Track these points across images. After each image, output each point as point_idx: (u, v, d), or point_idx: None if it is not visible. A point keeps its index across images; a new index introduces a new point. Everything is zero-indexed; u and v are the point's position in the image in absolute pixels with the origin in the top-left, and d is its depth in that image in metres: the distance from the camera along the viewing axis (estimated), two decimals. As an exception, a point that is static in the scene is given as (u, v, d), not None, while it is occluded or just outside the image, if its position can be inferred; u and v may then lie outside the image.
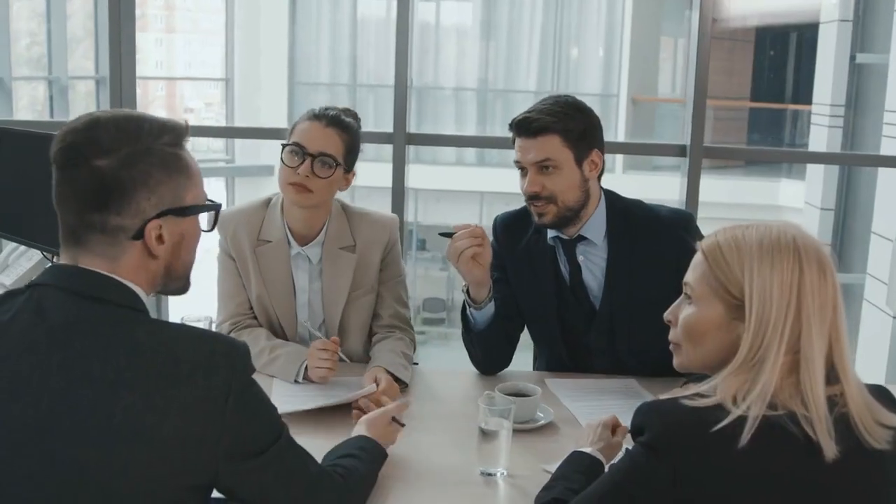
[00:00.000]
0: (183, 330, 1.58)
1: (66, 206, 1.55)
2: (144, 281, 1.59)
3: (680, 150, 4.13)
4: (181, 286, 1.70)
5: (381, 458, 2.00)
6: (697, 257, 1.70)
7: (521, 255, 2.81)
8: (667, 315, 1.79)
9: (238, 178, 14.24)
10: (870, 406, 1.59)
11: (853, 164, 9.99)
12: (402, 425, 2.17)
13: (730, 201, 11.89)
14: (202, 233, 1.70)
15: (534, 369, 2.99)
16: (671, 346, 1.78)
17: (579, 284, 2.75)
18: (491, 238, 2.87)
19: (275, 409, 1.64)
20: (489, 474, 2.07)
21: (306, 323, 2.78)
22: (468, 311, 2.70)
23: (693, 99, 4.04)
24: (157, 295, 1.73)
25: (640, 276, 2.67)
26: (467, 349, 2.79)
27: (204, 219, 1.69)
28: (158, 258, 1.59)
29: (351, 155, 2.74)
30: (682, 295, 1.74)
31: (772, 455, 1.52)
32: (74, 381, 1.46)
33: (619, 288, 2.71)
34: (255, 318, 2.84)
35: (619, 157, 13.21)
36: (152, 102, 16.62)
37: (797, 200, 11.56)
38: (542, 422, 2.37)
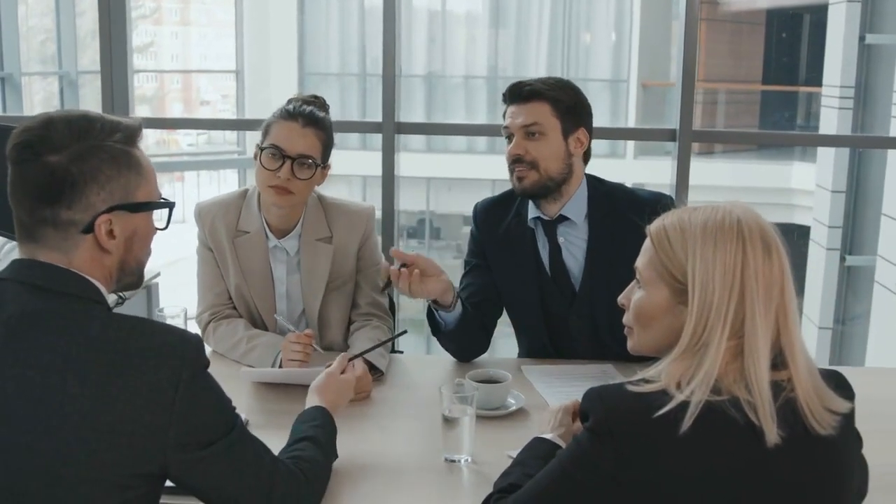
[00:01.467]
0: (137, 322, 1.60)
1: (20, 202, 1.59)
2: (100, 276, 1.63)
3: (671, 135, 4.11)
4: (134, 281, 1.73)
5: (334, 432, 2.01)
6: (646, 241, 1.70)
7: (501, 239, 2.81)
8: (620, 299, 1.79)
9: (250, 170, 14.27)
10: (819, 391, 1.57)
11: (855, 146, 9.94)
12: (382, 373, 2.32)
13: (741, 185, 11.85)
14: (157, 231, 1.73)
15: (518, 356, 2.99)
16: (625, 330, 1.79)
17: (560, 266, 2.75)
18: (472, 225, 2.89)
19: (228, 400, 1.66)
20: (452, 461, 2.08)
21: (279, 317, 2.79)
22: (437, 315, 2.68)
23: (681, 82, 4.02)
24: (116, 292, 1.76)
25: (620, 257, 2.63)
26: (441, 344, 2.79)
27: (160, 217, 1.73)
28: (111, 253, 1.62)
29: (327, 151, 2.75)
30: (634, 279, 1.74)
31: (713, 440, 1.51)
32: (27, 370, 1.50)
33: (599, 269, 2.71)
34: (235, 308, 2.86)
35: (631, 144, 13.17)
36: (167, 95, 16.70)
37: (809, 183, 11.50)
38: (513, 408, 2.37)
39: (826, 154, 10.72)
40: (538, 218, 2.76)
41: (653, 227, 1.69)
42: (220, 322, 2.81)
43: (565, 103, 2.67)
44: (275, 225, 2.81)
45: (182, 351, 1.56)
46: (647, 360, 2.48)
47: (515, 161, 2.68)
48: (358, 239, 2.86)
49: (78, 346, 1.51)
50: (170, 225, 1.75)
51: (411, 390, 2.58)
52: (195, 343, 1.60)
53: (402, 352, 3.14)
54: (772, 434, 1.50)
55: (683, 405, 1.51)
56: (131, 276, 1.71)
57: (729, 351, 1.55)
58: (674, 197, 3.73)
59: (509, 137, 2.71)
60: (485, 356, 2.82)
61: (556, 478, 1.63)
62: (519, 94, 2.68)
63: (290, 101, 2.77)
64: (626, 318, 1.77)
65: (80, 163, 1.56)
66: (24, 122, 1.59)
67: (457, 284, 2.77)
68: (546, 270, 2.77)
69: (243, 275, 2.81)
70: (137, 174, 1.63)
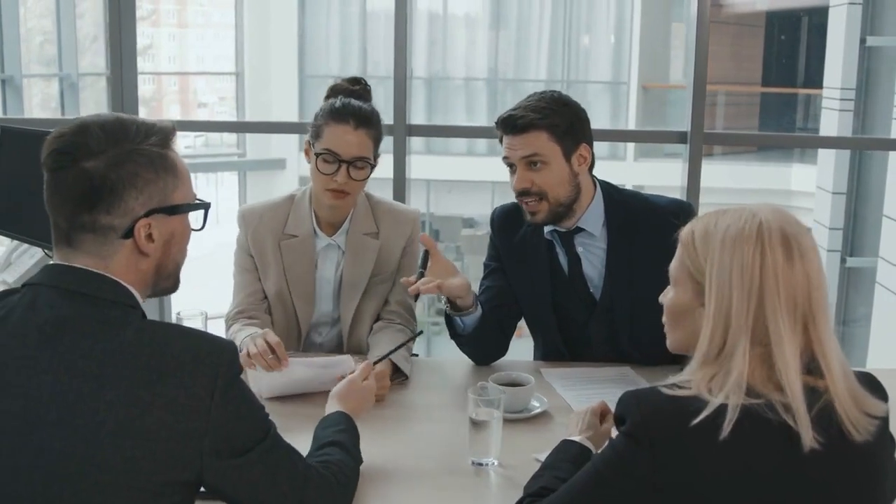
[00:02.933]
0: (171, 329, 1.61)
1: (58, 209, 1.59)
2: (136, 280, 1.63)
3: (681, 137, 4.12)
4: (171, 285, 1.73)
5: (358, 436, 2.01)
6: (679, 244, 1.72)
7: (517, 247, 2.81)
8: (660, 298, 1.80)
9: (250, 172, 14.28)
10: (855, 396, 1.57)
11: (856, 148, 9.95)
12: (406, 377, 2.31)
13: (742, 187, 11.87)
14: (193, 231, 1.74)
15: (534, 359, 2.99)
16: (664, 329, 1.79)
17: (578, 275, 2.75)
18: (490, 230, 2.89)
19: (262, 407, 1.66)
20: (480, 464, 2.08)
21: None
22: (456, 319, 2.68)
23: (693, 85, 4.03)
24: (153, 296, 1.76)
25: (640, 266, 2.66)
26: (459, 348, 2.78)
27: (195, 218, 1.73)
28: (149, 256, 1.63)
29: (378, 146, 2.75)
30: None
31: (751, 444, 1.51)
32: (61, 375, 1.50)
33: (619, 278, 2.71)
34: (265, 310, 2.85)
35: (631, 146, 13.18)
36: (164, 97, 16.69)
37: (809, 185, 11.51)
38: (537, 411, 2.37)
39: (827, 156, 10.74)
40: (554, 230, 2.75)
41: (683, 231, 1.70)
42: (242, 321, 2.79)
43: (562, 126, 2.60)
44: (327, 220, 2.82)
45: (217, 359, 1.56)
46: (666, 362, 2.49)
47: (523, 193, 2.64)
48: (404, 239, 2.87)
49: (112, 352, 1.51)
50: (206, 225, 1.75)
51: (433, 393, 2.58)
52: (230, 350, 1.60)
53: (416, 354, 3.14)
54: (808, 438, 1.49)
55: (721, 409, 1.50)
56: (168, 280, 1.71)
57: (756, 357, 1.55)
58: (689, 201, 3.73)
59: (511, 167, 2.66)
60: (500, 359, 2.82)
61: (592, 482, 1.63)
62: (513, 126, 2.61)
63: (335, 92, 2.75)
64: (663, 318, 1.78)
65: (117, 168, 1.56)
66: (58, 129, 1.59)
67: (476, 287, 2.77)
68: (565, 277, 2.76)
69: (286, 278, 2.80)
70: (174, 176, 1.64)
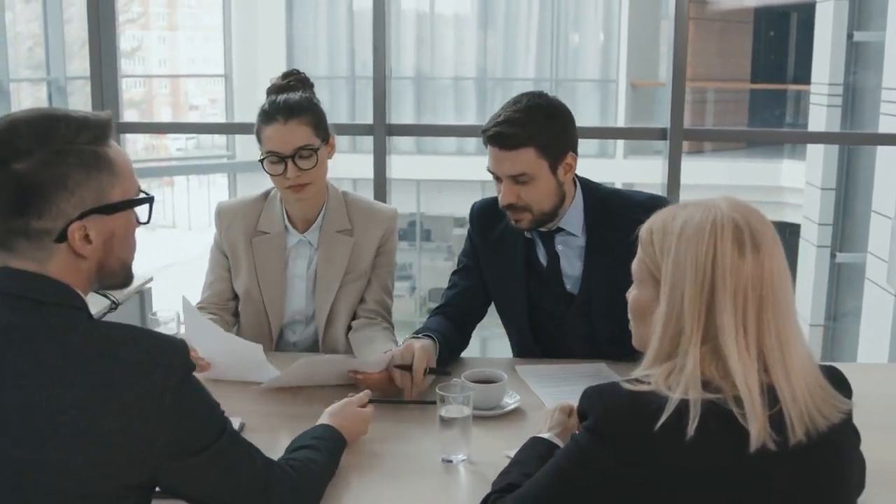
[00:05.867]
0: (119, 330, 1.56)
1: None
2: (77, 281, 1.58)
3: (661, 134, 4.12)
4: (120, 281, 1.68)
5: (340, 446, 2.01)
6: (639, 242, 1.71)
7: (495, 242, 2.81)
8: (626, 295, 1.80)
9: (240, 174, 14.26)
10: (814, 392, 1.55)
11: (844, 143, 9.96)
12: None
13: (732, 183, 11.87)
14: (139, 224, 1.67)
15: (512, 356, 2.99)
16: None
17: (556, 272, 2.75)
18: (469, 224, 2.90)
19: (216, 405, 1.63)
20: (450, 461, 2.08)
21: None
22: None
23: (672, 82, 4.03)
24: (101, 293, 1.73)
25: (618, 262, 2.65)
26: None
27: (142, 211, 1.67)
28: (88, 258, 1.57)
29: (321, 127, 2.75)
30: None
31: (712, 438, 1.49)
32: (8, 383, 1.47)
33: (597, 274, 2.71)
34: (231, 311, 2.87)
35: (620, 143, 13.17)
36: (155, 99, 16.68)
37: (799, 181, 11.53)
38: (510, 408, 2.38)
39: (815, 151, 10.76)
40: (535, 230, 2.75)
41: (643, 228, 1.70)
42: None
43: (548, 141, 2.58)
44: (299, 217, 2.84)
45: (168, 358, 1.53)
46: (641, 358, 2.48)
47: (508, 208, 2.63)
48: (378, 237, 2.87)
49: (61, 358, 1.48)
50: (151, 217, 1.68)
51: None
52: (181, 348, 1.56)
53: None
54: (761, 436, 1.48)
55: (682, 405, 1.49)
56: (115, 277, 1.65)
57: (709, 353, 1.54)
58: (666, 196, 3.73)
59: (496, 178, 2.65)
60: (478, 356, 2.83)
61: (555, 477, 1.63)
62: (501, 144, 2.57)
63: (267, 93, 2.77)
64: (629, 314, 1.78)
65: (46, 170, 1.49)
66: None
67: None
68: (542, 272, 2.77)
69: (257, 276, 2.81)
70: (110, 174, 1.56)
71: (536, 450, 1.92)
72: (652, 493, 1.52)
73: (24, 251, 1.53)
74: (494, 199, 2.81)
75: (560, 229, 2.73)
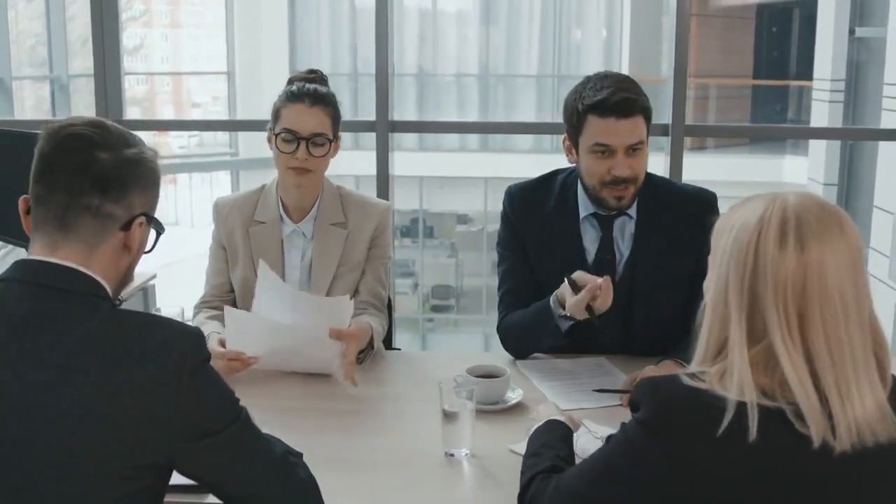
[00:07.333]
0: (138, 317, 1.63)
1: (61, 187, 1.60)
2: (113, 274, 1.66)
3: (663, 130, 4.13)
4: (120, 292, 1.76)
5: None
6: None
7: (542, 225, 2.75)
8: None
9: (243, 171, 14.28)
10: (869, 411, 1.44)
11: (846, 138, 9.97)
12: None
13: (735, 179, 11.87)
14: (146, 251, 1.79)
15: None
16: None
17: (611, 255, 2.71)
18: (505, 210, 2.83)
19: (231, 392, 1.67)
20: (452, 455, 2.09)
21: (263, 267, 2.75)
22: (560, 323, 2.60)
23: (674, 77, 4.04)
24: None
25: (663, 250, 2.66)
26: (516, 338, 2.77)
27: (150, 239, 1.78)
28: (130, 254, 1.68)
29: (336, 124, 2.81)
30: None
31: (765, 443, 1.42)
32: (28, 367, 1.51)
33: (642, 259, 2.68)
34: (231, 302, 2.87)
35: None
36: (158, 97, 16.69)
37: (801, 177, 11.53)
38: (512, 402, 2.38)
39: (817, 147, 10.76)
40: (595, 213, 2.71)
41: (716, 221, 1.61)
42: (206, 311, 2.86)
43: (650, 112, 2.58)
44: (294, 206, 2.86)
45: (183, 344, 1.58)
46: (650, 354, 2.51)
47: (622, 181, 2.58)
48: (372, 228, 2.89)
49: (78, 341, 1.53)
50: (154, 249, 1.79)
51: (409, 386, 2.59)
52: (197, 336, 1.62)
53: (399, 349, 3.16)
54: (818, 438, 1.41)
55: (740, 408, 1.43)
56: (124, 287, 1.76)
57: (761, 353, 1.45)
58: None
59: (603, 152, 2.56)
60: (480, 350, 2.82)
61: (603, 467, 1.59)
62: (629, 110, 2.51)
63: (291, 82, 2.83)
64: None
65: (130, 166, 1.65)
66: (68, 119, 1.66)
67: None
68: (586, 259, 2.71)
69: (254, 265, 2.83)
70: (156, 194, 1.73)
71: (558, 432, 1.91)
72: (703, 491, 1.47)
73: (84, 231, 1.61)
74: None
75: (621, 213, 2.70)
